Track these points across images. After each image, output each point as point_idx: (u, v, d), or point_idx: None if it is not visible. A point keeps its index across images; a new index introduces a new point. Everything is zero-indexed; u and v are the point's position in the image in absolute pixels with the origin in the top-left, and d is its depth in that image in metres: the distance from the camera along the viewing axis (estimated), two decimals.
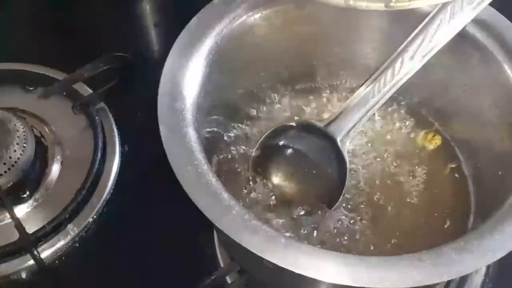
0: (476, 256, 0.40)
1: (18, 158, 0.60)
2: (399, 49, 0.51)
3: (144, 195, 0.63)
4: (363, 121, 0.53)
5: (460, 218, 0.54)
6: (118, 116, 0.69)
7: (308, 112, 0.61)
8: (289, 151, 0.56)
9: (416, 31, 0.51)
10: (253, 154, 0.56)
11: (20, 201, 0.62)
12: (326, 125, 0.54)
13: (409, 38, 0.51)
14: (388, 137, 0.59)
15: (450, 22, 0.49)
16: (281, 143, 0.56)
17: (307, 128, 0.55)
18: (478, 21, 0.51)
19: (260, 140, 0.56)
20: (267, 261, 0.39)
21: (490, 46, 0.52)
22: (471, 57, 0.53)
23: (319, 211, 0.54)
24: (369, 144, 0.59)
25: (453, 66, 0.55)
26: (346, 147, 0.54)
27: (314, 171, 0.55)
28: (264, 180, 0.55)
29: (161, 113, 0.46)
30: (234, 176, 0.57)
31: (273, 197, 0.55)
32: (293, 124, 0.56)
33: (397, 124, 0.60)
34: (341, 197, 0.54)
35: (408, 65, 0.51)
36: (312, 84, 0.62)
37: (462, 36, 0.51)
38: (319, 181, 0.55)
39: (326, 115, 0.60)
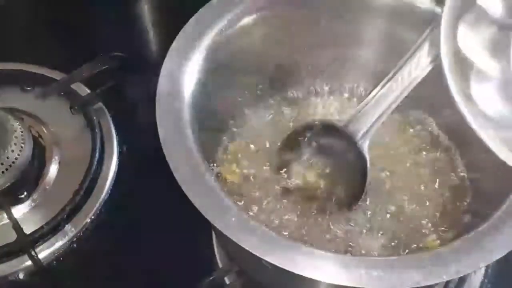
0: (475, 256, 0.40)
1: (16, 159, 0.60)
2: (415, 46, 0.49)
3: (142, 196, 0.63)
4: (381, 120, 0.52)
5: (459, 218, 0.54)
6: (116, 116, 0.69)
7: (308, 112, 0.61)
8: (312, 150, 0.56)
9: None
10: (277, 152, 0.56)
11: (18, 201, 0.62)
12: (345, 125, 0.53)
13: (426, 33, 0.50)
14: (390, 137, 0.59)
15: None
16: (302, 143, 0.56)
17: (328, 128, 0.55)
18: None
19: (285, 138, 0.56)
20: (266, 261, 0.39)
21: None
22: None
23: (339, 211, 0.54)
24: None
25: None
26: (366, 146, 0.53)
27: (335, 171, 0.55)
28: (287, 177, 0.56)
29: (160, 114, 0.46)
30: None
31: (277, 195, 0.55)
32: (316, 123, 0.56)
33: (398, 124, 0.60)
34: (363, 196, 0.53)
35: (425, 61, 0.50)
36: (311, 84, 0.62)
37: None
38: (341, 180, 0.55)
39: (324, 114, 0.60)
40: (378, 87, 0.52)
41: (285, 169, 0.56)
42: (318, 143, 0.56)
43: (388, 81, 0.51)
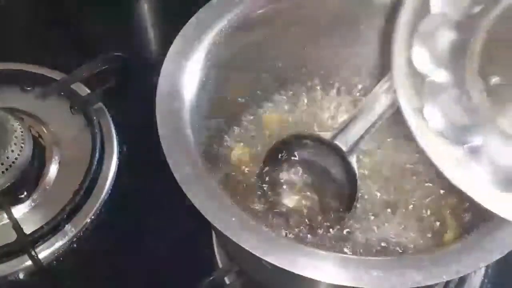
0: (475, 256, 0.40)
1: (16, 159, 0.60)
2: None
3: (142, 196, 0.63)
4: (371, 132, 0.51)
5: (458, 218, 0.54)
6: (116, 116, 0.69)
7: (308, 112, 0.61)
8: (296, 164, 0.55)
9: None
10: (260, 168, 0.55)
11: (18, 201, 0.62)
12: (333, 136, 0.52)
13: None
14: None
15: None
16: (287, 156, 0.55)
17: (314, 140, 0.54)
18: None
19: (267, 154, 0.55)
20: (266, 261, 0.39)
21: None
22: None
23: (327, 225, 0.53)
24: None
25: None
26: (355, 158, 0.52)
27: (323, 184, 0.54)
28: (271, 194, 0.55)
29: (160, 114, 0.46)
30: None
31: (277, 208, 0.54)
32: (300, 137, 0.55)
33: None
34: (352, 209, 0.53)
35: None
36: (311, 84, 0.62)
37: None
38: (328, 194, 0.54)
39: (326, 116, 0.60)
40: (368, 98, 0.51)
41: (269, 186, 0.55)
42: (304, 158, 0.55)
43: (379, 91, 0.50)
